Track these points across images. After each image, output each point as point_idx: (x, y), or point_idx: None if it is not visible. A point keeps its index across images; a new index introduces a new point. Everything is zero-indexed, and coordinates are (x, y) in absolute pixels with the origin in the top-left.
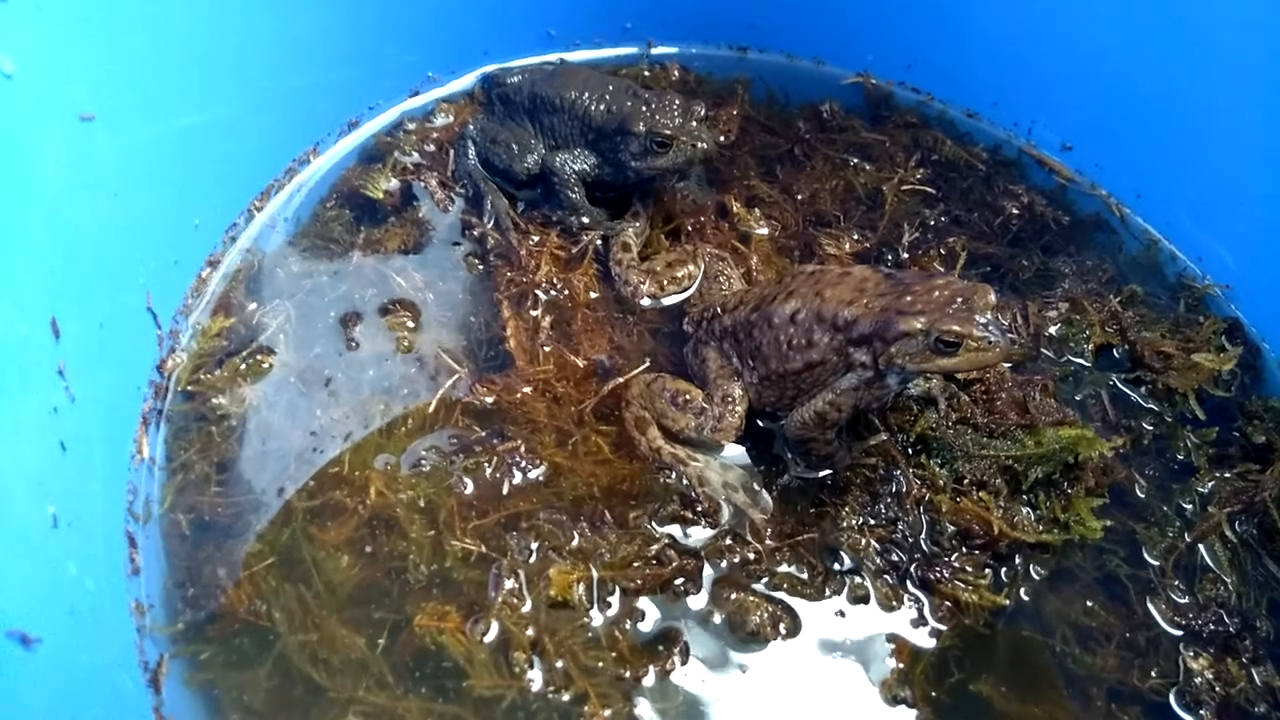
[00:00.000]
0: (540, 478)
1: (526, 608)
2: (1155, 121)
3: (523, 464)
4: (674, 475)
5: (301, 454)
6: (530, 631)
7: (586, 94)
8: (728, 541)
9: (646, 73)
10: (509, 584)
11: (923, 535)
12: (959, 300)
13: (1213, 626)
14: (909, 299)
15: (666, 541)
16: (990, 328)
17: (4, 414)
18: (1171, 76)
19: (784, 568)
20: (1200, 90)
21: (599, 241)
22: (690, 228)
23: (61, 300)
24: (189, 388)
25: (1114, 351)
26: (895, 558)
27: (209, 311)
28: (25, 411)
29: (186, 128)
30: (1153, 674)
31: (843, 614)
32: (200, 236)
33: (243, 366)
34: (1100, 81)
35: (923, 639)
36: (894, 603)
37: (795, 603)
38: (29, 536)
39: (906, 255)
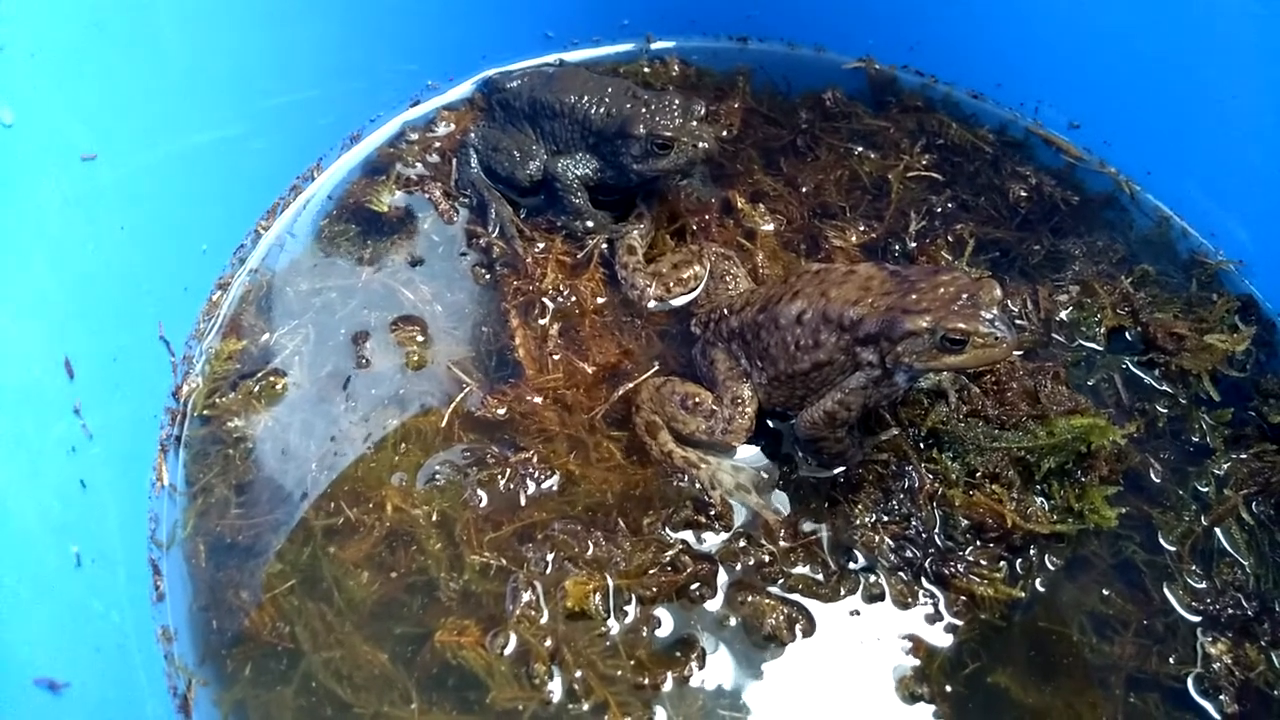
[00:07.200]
0: (554, 487)
1: (544, 619)
2: (1164, 95)
3: (536, 474)
4: (686, 479)
5: (317, 473)
6: (549, 643)
7: (586, 97)
8: (741, 544)
9: (646, 69)
10: (526, 596)
11: (936, 530)
12: (964, 297)
13: (1231, 611)
14: (914, 297)
15: (681, 547)
16: (997, 323)
17: (23, 461)
18: (1180, 48)
19: (798, 569)
20: (1210, 61)
21: (604, 245)
22: (695, 226)
23: (73, 339)
24: (205, 412)
25: (1126, 334)
26: (909, 554)
27: (221, 335)
28: (44, 455)
29: (189, 154)
30: (1171, 660)
31: (858, 613)
32: (209, 261)
33: (256, 388)
34: (1107, 57)
35: (939, 635)
36: (909, 600)
37: (810, 604)
38: (53, 580)
39: (914, 244)
